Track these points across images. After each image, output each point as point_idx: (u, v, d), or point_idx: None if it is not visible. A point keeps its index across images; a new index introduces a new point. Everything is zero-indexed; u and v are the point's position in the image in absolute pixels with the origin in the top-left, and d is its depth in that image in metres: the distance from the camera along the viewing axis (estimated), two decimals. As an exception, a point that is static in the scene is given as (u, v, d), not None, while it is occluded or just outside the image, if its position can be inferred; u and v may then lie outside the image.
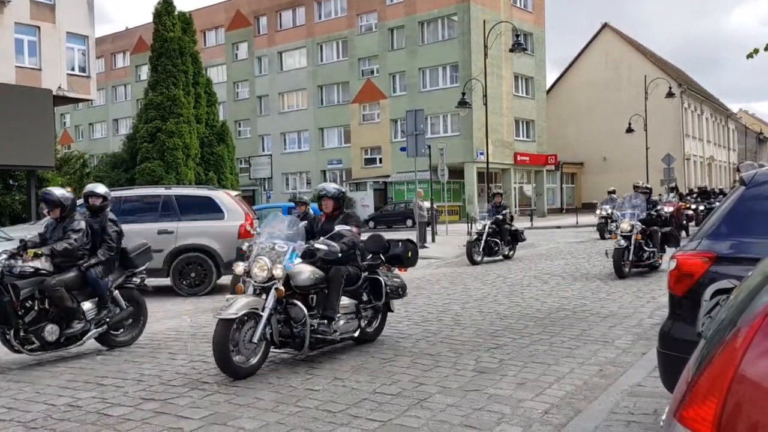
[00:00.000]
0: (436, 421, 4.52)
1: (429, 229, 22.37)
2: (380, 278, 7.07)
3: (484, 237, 15.74)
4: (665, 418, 1.76)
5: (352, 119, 49.03)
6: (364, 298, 6.98)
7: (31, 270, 6.59)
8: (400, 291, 7.29)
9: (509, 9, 45.54)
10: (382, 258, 7.31)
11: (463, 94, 29.61)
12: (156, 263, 11.48)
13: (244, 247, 6.61)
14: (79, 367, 6.42)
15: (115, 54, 61.45)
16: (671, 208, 21.78)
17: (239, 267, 6.18)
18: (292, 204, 14.93)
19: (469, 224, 17.70)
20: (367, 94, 48.19)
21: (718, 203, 20.74)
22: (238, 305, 5.67)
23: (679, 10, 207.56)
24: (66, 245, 6.71)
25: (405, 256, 7.43)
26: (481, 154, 36.98)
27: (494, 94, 39.95)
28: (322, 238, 6.53)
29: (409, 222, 34.56)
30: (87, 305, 6.87)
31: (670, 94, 41.75)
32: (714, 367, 1.60)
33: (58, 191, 7.18)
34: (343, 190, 7.31)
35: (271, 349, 6.05)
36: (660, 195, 27.39)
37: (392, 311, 7.47)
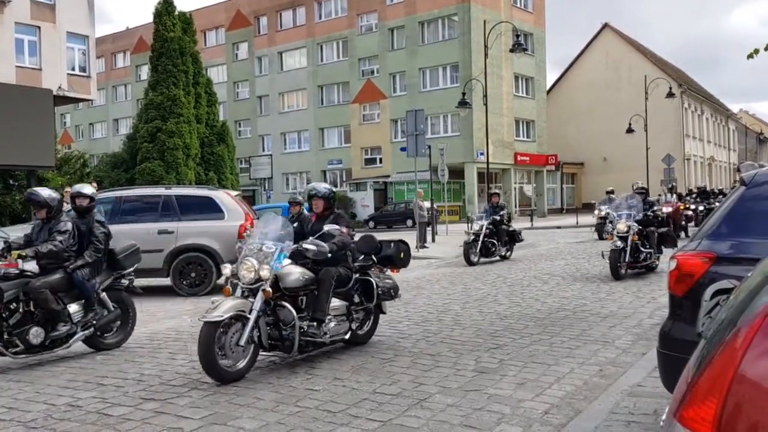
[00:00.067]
0: (436, 421, 4.52)
1: (429, 229, 22.37)
2: (372, 279, 6.95)
3: (481, 238, 15.65)
4: (665, 419, 1.76)
5: (352, 119, 49.03)
6: (356, 299, 6.87)
7: (16, 272, 6.51)
8: (392, 292, 7.17)
9: (509, 9, 45.54)
10: (374, 259, 7.18)
11: (464, 94, 29.61)
12: (156, 263, 11.53)
13: (236, 248, 6.56)
14: (80, 367, 6.42)
15: (115, 54, 61.46)
16: (670, 209, 21.76)
17: (227, 269, 6.10)
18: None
19: (469, 225, 17.67)
20: (368, 94, 48.19)
21: (717, 203, 20.74)
22: (223, 308, 5.55)
23: (679, 11, 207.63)
24: (51, 247, 6.60)
25: (397, 257, 7.32)
26: (482, 154, 36.97)
27: (494, 95, 39.95)
28: (311, 238, 6.41)
29: (410, 222, 34.56)
30: (73, 307, 6.75)
31: (670, 95, 41.77)
32: (714, 367, 1.60)
33: (45, 192, 7.04)
34: (334, 190, 7.19)
35: (260, 353, 5.95)
36: (660, 195, 27.39)
37: (384, 313, 7.35)
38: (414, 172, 22.77)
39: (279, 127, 52.71)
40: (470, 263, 15.29)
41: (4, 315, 6.30)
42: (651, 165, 43.82)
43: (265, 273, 5.81)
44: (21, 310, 6.42)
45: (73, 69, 28.76)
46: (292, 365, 6.19)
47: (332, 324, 6.43)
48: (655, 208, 13.78)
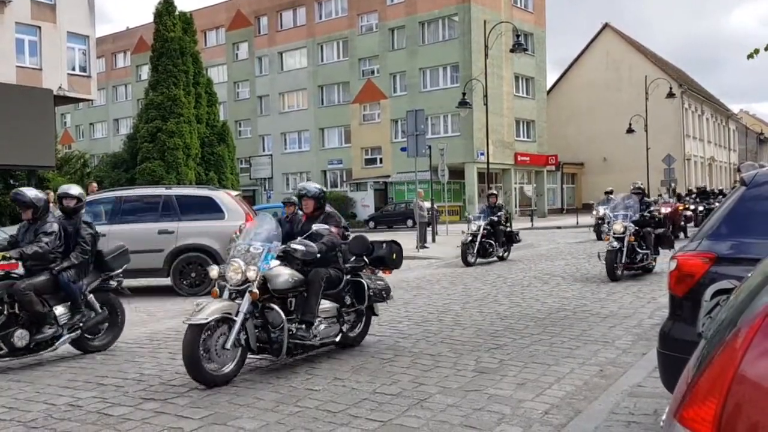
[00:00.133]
0: (436, 421, 4.52)
1: (429, 229, 22.37)
2: (363, 281, 6.85)
3: (478, 238, 15.53)
4: (665, 419, 1.76)
5: (352, 119, 49.03)
6: (347, 301, 6.76)
7: (21, 273, 6.47)
8: (383, 294, 7.07)
9: (510, 9, 45.54)
10: (366, 260, 7.05)
11: (464, 94, 29.61)
12: (156, 263, 11.54)
13: (226, 249, 6.48)
14: (80, 367, 6.42)
15: (115, 54, 61.48)
16: (669, 209, 21.72)
17: (213, 270, 5.98)
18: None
19: (468, 225, 17.63)
20: (368, 94, 48.19)
21: (717, 204, 20.70)
22: (208, 310, 5.44)
23: (680, 11, 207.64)
24: (36, 248, 6.48)
25: (389, 258, 7.18)
26: (482, 154, 36.98)
27: (495, 95, 39.95)
28: (299, 238, 6.32)
29: (410, 222, 34.56)
30: (60, 309, 6.65)
31: (670, 95, 41.77)
32: (714, 367, 1.60)
33: (31, 192, 6.93)
34: (325, 190, 7.07)
35: (249, 356, 5.85)
36: (659, 195, 27.38)
37: (376, 315, 7.25)
38: (414, 172, 22.78)
39: (279, 127, 52.72)
40: (467, 264, 15.17)
41: None
42: (651, 165, 43.82)
43: (251, 274, 5.71)
44: (5, 312, 6.30)
45: (74, 69, 28.76)
46: (292, 365, 6.19)
47: (322, 326, 6.33)
48: (652, 208, 13.64)
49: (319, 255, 6.21)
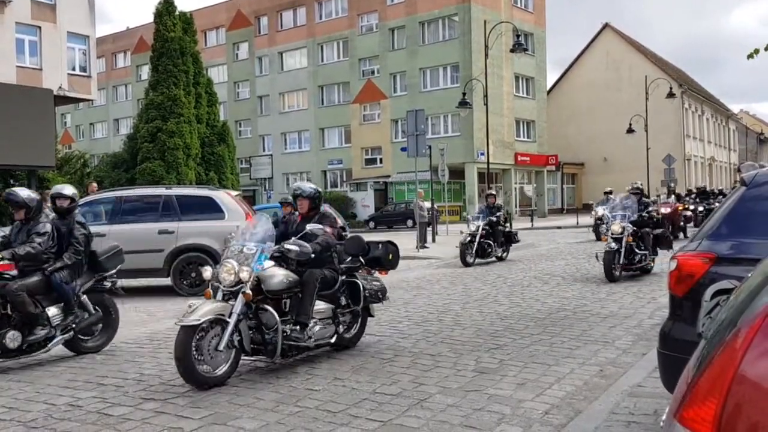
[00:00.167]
0: (437, 421, 4.52)
1: (429, 229, 22.36)
2: (358, 282, 6.78)
3: (477, 239, 15.45)
4: (665, 419, 1.76)
5: (352, 119, 49.04)
6: (342, 302, 6.69)
7: (13, 274, 6.40)
8: (379, 295, 6.98)
9: (510, 9, 45.55)
10: (362, 260, 6.97)
11: (464, 94, 29.62)
12: (156, 263, 11.54)
13: (221, 251, 6.42)
14: (80, 367, 6.42)
15: (115, 54, 61.49)
16: (668, 209, 21.69)
17: (207, 272, 5.91)
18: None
19: (468, 226, 17.63)
20: (368, 94, 48.19)
21: (717, 204, 20.64)
22: (201, 311, 5.38)
23: (680, 11, 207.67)
24: (29, 249, 6.43)
25: (385, 259, 7.09)
26: (482, 154, 36.98)
27: (495, 95, 39.96)
28: (293, 238, 6.25)
29: (410, 222, 34.57)
30: (52, 310, 6.57)
31: (670, 95, 41.76)
32: (714, 367, 1.60)
33: (23, 192, 6.86)
34: (320, 189, 6.99)
35: (243, 357, 5.79)
36: (657, 195, 27.34)
37: (372, 316, 7.17)
38: (414, 172, 22.78)
39: (279, 127, 52.73)
40: (466, 264, 15.10)
41: None
42: (651, 165, 43.83)
43: (244, 275, 5.65)
44: None
45: (74, 69, 28.77)
46: (293, 365, 6.19)
47: (317, 327, 6.26)
48: (651, 209, 13.52)
49: (313, 255, 6.15)
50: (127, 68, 60.60)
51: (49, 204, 12.35)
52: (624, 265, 12.09)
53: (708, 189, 31.66)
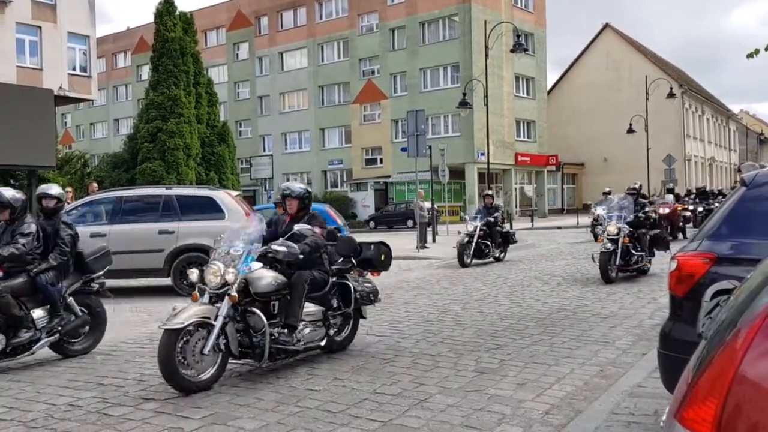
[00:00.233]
0: (437, 421, 4.52)
1: (429, 229, 22.36)
2: (349, 283, 6.65)
3: (474, 239, 15.37)
4: (665, 419, 1.76)
5: (352, 119, 49.04)
6: (333, 304, 6.56)
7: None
8: (371, 297, 6.86)
9: (510, 9, 45.55)
10: (354, 262, 6.83)
11: (464, 94, 29.61)
12: (157, 263, 11.54)
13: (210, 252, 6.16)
14: (80, 367, 6.42)
15: (116, 54, 61.50)
16: (667, 210, 21.64)
17: (193, 274, 5.75)
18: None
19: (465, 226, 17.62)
20: (368, 94, 48.20)
21: (717, 204, 20.56)
22: (185, 314, 5.26)
23: (680, 11, 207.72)
24: (12, 250, 6.31)
25: (377, 260, 6.96)
26: (482, 154, 36.98)
27: (495, 95, 39.96)
28: (281, 239, 6.12)
29: (410, 222, 34.57)
30: (38, 312, 6.44)
31: (671, 95, 41.74)
32: (714, 367, 1.60)
33: (8, 192, 6.71)
34: (310, 190, 6.82)
35: (230, 361, 5.67)
36: (655, 196, 27.26)
37: (364, 318, 7.06)
38: (415, 172, 22.78)
39: (280, 128, 52.74)
40: (463, 265, 15.01)
41: None
42: (652, 165, 43.84)
43: (230, 277, 5.52)
44: None
45: (74, 69, 28.78)
46: (293, 365, 6.19)
47: (307, 330, 6.15)
48: (647, 209, 13.35)
49: (302, 256, 6.04)
50: (128, 68, 60.61)
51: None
52: (620, 266, 11.97)
53: (708, 189, 31.64)
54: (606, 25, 58.35)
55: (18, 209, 6.60)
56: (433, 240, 22.35)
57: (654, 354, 4.54)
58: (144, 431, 4.50)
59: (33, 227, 6.59)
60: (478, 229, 15.43)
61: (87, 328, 6.98)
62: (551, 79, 58.85)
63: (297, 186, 6.68)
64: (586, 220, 31.80)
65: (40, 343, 6.48)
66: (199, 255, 11.65)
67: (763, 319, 1.56)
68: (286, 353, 6.01)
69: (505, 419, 4.54)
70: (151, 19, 37.34)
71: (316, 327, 6.32)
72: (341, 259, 6.80)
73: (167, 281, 11.85)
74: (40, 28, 27.20)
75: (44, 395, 5.43)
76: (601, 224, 13.73)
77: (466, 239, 15.39)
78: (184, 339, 5.26)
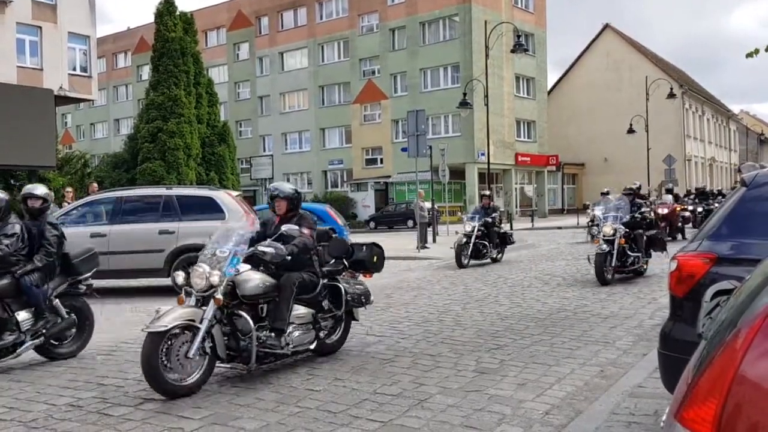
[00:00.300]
0: (437, 421, 4.53)
1: (430, 229, 22.36)
2: (340, 285, 6.53)
3: (472, 240, 15.24)
4: (665, 419, 1.76)
5: (353, 119, 49.05)
6: (324, 306, 6.43)
7: None
8: (362, 299, 6.73)
9: (510, 10, 45.56)
10: (345, 263, 6.72)
11: (464, 94, 29.61)
12: (157, 263, 11.53)
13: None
14: (80, 367, 6.42)
15: (116, 54, 61.52)
16: (666, 210, 21.60)
17: (179, 276, 5.65)
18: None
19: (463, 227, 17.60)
20: (368, 94, 48.21)
21: (716, 205, 20.53)
22: (169, 317, 5.17)
23: (680, 11, 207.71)
24: None
25: (370, 261, 6.85)
26: (482, 154, 36.99)
27: (495, 95, 39.96)
28: (268, 240, 5.97)
29: (410, 222, 34.56)
30: (22, 315, 6.31)
31: (671, 95, 41.73)
32: (714, 368, 1.60)
33: None
34: (299, 190, 6.65)
35: (217, 365, 5.57)
36: (653, 197, 27.23)
37: (356, 320, 6.96)
38: (415, 172, 22.78)
39: (280, 128, 52.74)
40: (461, 266, 14.90)
41: None
42: (652, 166, 43.83)
43: (215, 279, 5.40)
44: None
45: (74, 69, 28.78)
46: (293, 366, 6.19)
47: (296, 333, 6.03)
48: (643, 209, 13.20)
49: (289, 258, 5.90)
50: (128, 68, 60.63)
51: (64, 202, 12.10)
52: (616, 267, 11.80)
53: (707, 189, 31.62)
54: (606, 26, 58.35)
55: (2, 209, 6.48)
56: (434, 240, 22.35)
57: (654, 354, 4.54)
58: (144, 431, 4.50)
59: (17, 228, 6.46)
60: (475, 230, 15.34)
61: (73, 330, 6.84)
62: (551, 79, 58.94)
63: (287, 186, 6.56)
64: (586, 220, 31.82)
65: (24, 346, 6.35)
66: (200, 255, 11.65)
67: (763, 319, 1.56)
68: (274, 357, 5.89)
69: (506, 419, 4.54)
70: (151, 19, 37.36)
71: (306, 330, 6.20)
72: (333, 260, 6.70)
73: (167, 281, 11.84)
74: (40, 28, 27.21)
75: (44, 395, 5.43)
76: (597, 225, 13.56)
77: (464, 240, 15.31)
78: (169, 342, 5.16)
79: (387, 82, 47.15)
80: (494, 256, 16.07)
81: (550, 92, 54.50)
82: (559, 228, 32.05)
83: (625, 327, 7.76)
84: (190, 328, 5.28)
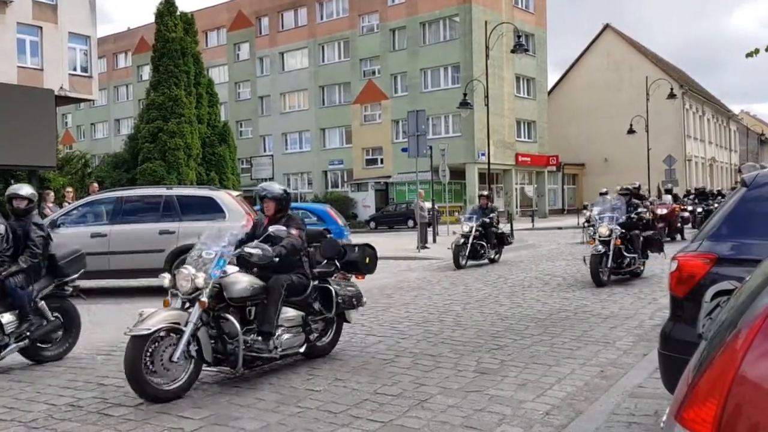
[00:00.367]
0: (437, 421, 4.53)
1: (430, 229, 22.36)
2: (331, 287, 6.42)
3: (470, 240, 15.16)
4: (666, 420, 1.76)
5: (353, 120, 49.05)
6: (315, 308, 6.33)
7: None
8: (354, 301, 6.62)
9: (511, 10, 45.56)
10: (337, 264, 6.63)
11: (465, 94, 29.56)
12: (157, 263, 11.52)
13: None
14: (80, 367, 6.42)
15: (116, 54, 61.53)
16: (665, 210, 21.57)
17: (165, 279, 5.55)
18: (293, 204, 14.74)
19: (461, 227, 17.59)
20: (369, 94, 48.21)
21: (716, 205, 20.45)
22: (153, 320, 5.05)
23: (680, 11, 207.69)
24: None
25: (362, 262, 6.73)
26: (483, 154, 36.97)
27: (495, 95, 39.95)
28: (255, 241, 5.86)
29: (411, 223, 34.56)
30: (6, 317, 6.20)
31: (671, 95, 41.70)
32: (714, 368, 1.60)
33: None
34: (289, 191, 6.53)
35: (204, 368, 5.47)
36: (651, 197, 27.19)
37: (348, 322, 6.84)
38: (415, 172, 22.78)
39: (280, 128, 52.75)
40: (458, 266, 14.81)
41: None
42: (652, 166, 43.79)
43: (200, 281, 5.31)
44: None
45: (75, 69, 28.80)
46: (293, 365, 6.19)
47: (285, 336, 5.92)
48: (640, 210, 13.00)
49: (277, 259, 5.81)
50: (128, 68, 60.65)
51: (50, 204, 12.22)
52: (612, 268, 11.62)
53: (707, 190, 31.60)
54: (606, 26, 58.35)
55: None
56: (434, 240, 22.34)
57: (654, 354, 4.54)
58: (144, 431, 4.50)
59: (2, 228, 6.37)
60: (473, 230, 15.25)
61: (60, 333, 6.73)
62: (552, 79, 58.94)
63: (276, 187, 6.42)
64: (581, 220, 31.81)
65: (8, 349, 6.25)
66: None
67: (764, 319, 1.56)
68: (261, 360, 5.78)
69: (506, 420, 4.54)
70: (151, 19, 37.36)
71: (296, 333, 6.09)
72: (325, 261, 6.61)
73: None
74: (41, 28, 27.22)
75: (45, 395, 5.43)
76: (593, 225, 13.43)
77: (462, 240, 15.23)
78: (153, 345, 5.07)
79: (387, 82, 47.16)
80: (492, 256, 15.98)
81: (550, 92, 54.51)
82: (560, 228, 32.04)
83: (625, 327, 7.76)
84: (175, 331, 5.18)
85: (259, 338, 5.67)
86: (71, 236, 10.79)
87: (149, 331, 4.98)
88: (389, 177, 45.89)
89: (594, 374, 5.71)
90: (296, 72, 52.00)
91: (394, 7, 46.76)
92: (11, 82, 23.75)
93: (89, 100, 33.32)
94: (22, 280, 6.33)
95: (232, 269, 5.65)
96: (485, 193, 17.24)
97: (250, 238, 6.07)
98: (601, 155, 54.66)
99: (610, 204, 12.51)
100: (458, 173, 41.52)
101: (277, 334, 5.80)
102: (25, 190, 6.73)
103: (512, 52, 27.72)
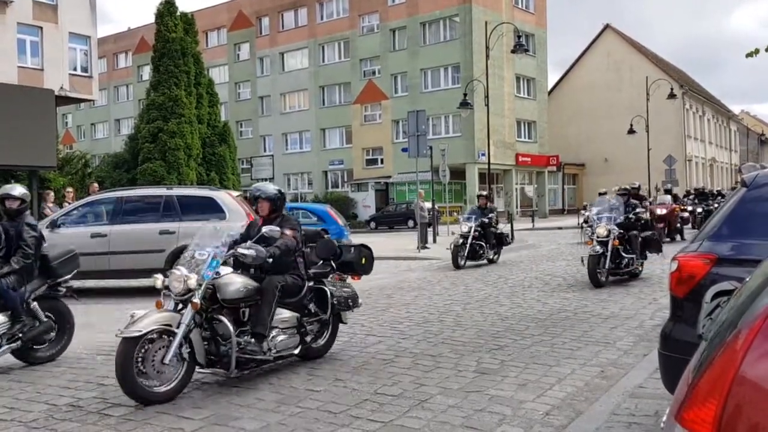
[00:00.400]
0: (437, 422, 4.53)
1: (430, 230, 22.36)
2: (326, 288, 6.40)
3: (469, 240, 15.11)
4: (666, 420, 1.76)
5: (353, 120, 49.05)
6: (310, 310, 6.28)
7: None
8: (349, 302, 6.56)
9: (511, 10, 45.56)
10: (333, 265, 6.60)
11: (465, 95, 29.58)
12: (158, 263, 11.52)
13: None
14: (81, 367, 6.42)
15: (117, 54, 61.55)
16: (664, 210, 21.55)
17: (158, 280, 5.50)
18: (293, 204, 14.76)
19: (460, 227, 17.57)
20: (369, 94, 48.21)
21: (716, 205, 20.43)
22: (144, 321, 5.00)
23: (680, 12, 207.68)
24: None
25: (358, 263, 6.70)
26: (483, 155, 36.98)
27: (496, 95, 39.96)
28: (249, 242, 5.78)
29: (411, 223, 34.56)
30: None
31: (671, 96, 41.70)
32: (714, 368, 1.60)
33: None
34: (283, 191, 6.45)
35: (197, 370, 5.41)
36: (649, 198, 27.20)
37: (344, 323, 6.77)
38: (415, 172, 22.78)
39: (280, 128, 52.75)
40: (457, 266, 14.77)
41: None
42: (652, 166, 43.80)
43: (192, 283, 5.25)
44: None
45: (75, 69, 28.81)
46: (293, 366, 6.19)
47: (280, 338, 5.86)
48: (638, 210, 12.91)
49: (270, 260, 5.74)
50: (129, 69, 60.67)
51: (50, 204, 12.23)
52: (610, 269, 11.56)
53: (707, 190, 31.60)
54: (606, 26, 58.37)
55: None
56: (434, 240, 22.34)
57: (655, 355, 4.54)
58: (145, 431, 4.50)
59: None
60: (472, 230, 15.20)
61: (53, 334, 6.67)
62: (552, 79, 58.95)
63: (270, 187, 6.35)
64: (579, 221, 31.79)
65: (0, 350, 6.21)
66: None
67: (764, 320, 1.56)
68: (255, 362, 5.72)
69: (506, 420, 4.54)
70: (152, 19, 37.34)
71: (291, 334, 6.02)
72: (321, 262, 6.57)
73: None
74: (41, 28, 27.23)
75: (45, 395, 5.43)
76: (590, 226, 13.37)
77: (461, 240, 15.18)
78: (145, 347, 5.02)
79: (387, 82, 47.16)
80: (490, 257, 15.93)
81: (550, 92, 54.52)
82: (560, 228, 32.03)
83: (625, 327, 7.76)
84: (167, 333, 5.13)
85: (253, 340, 5.62)
86: (71, 236, 10.80)
87: (140, 333, 4.94)
88: (389, 177, 45.89)
89: (594, 374, 5.71)
90: (296, 72, 52.00)
91: (395, 7, 46.77)
92: (11, 82, 23.76)
93: (89, 100, 33.33)
94: (15, 281, 6.27)
95: (225, 270, 5.61)
96: (484, 193, 17.14)
97: (244, 238, 6.03)
98: (601, 155, 54.67)
99: (608, 204, 12.43)
100: (458, 173, 41.52)
101: (271, 335, 5.75)
102: (18, 190, 6.67)
103: (512, 52, 27.74)
